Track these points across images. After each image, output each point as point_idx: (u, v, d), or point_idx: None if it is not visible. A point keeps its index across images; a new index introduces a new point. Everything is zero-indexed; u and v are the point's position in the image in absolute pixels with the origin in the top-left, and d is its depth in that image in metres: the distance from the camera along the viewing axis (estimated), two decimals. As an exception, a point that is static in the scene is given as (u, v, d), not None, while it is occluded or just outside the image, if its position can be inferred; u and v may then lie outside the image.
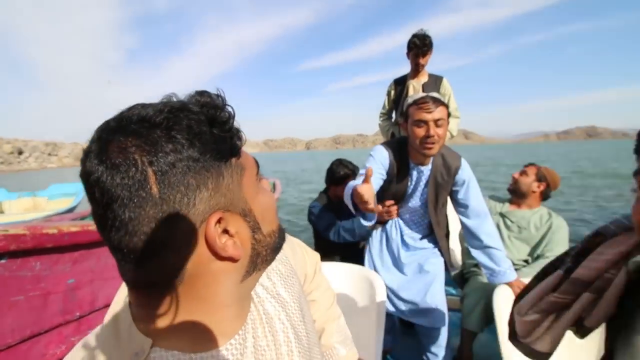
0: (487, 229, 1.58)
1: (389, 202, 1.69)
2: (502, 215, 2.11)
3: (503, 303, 1.53)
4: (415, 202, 1.67)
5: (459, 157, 1.59)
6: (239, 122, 0.38)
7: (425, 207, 1.66)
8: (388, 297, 1.60)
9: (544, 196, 2.06)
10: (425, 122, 1.40)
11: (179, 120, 0.33)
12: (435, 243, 1.72)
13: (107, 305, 1.18)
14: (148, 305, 0.36)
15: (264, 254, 0.41)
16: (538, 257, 1.95)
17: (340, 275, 1.67)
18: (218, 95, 0.37)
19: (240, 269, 0.39)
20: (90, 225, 1.08)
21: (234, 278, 0.38)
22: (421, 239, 1.74)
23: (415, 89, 2.87)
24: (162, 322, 0.36)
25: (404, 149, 1.58)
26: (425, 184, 1.60)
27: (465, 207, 1.59)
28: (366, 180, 1.17)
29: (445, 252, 1.71)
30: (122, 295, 0.40)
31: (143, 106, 0.34)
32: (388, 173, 1.59)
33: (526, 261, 2.00)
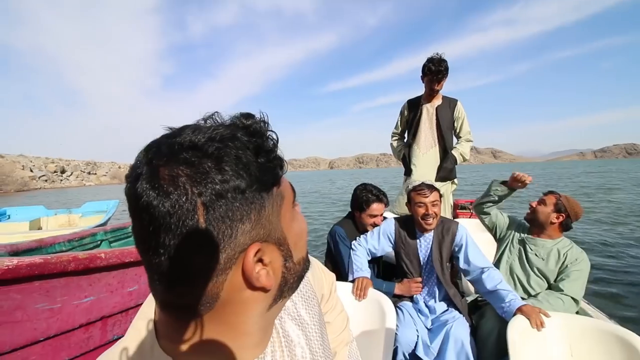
0: (491, 276, 1.73)
1: (418, 279, 1.94)
2: (523, 242, 2.02)
3: (517, 335, 1.43)
4: (428, 265, 1.93)
5: (456, 223, 1.95)
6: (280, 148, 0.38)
7: (439, 267, 1.90)
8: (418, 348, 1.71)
9: (565, 227, 1.92)
10: (424, 204, 1.86)
11: (229, 151, 0.32)
12: (451, 302, 1.88)
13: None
14: (174, 326, 0.36)
15: (291, 281, 0.41)
16: (554, 288, 1.84)
17: (349, 295, 1.73)
18: (263, 121, 0.37)
19: (269, 298, 0.38)
20: None
21: (261, 307, 0.38)
22: (441, 300, 1.92)
23: (429, 112, 2.83)
24: (186, 344, 0.36)
25: (410, 222, 2.01)
26: (431, 246, 1.92)
27: (468, 264, 1.83)
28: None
29: (463, 309, 1.82)
30: (146, 310, 0.40)
31: (194, 131, 0.33)
32: (395, 240, 2.00)
33: (547, 289, 1.89)
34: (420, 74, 2.74)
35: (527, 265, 1.94)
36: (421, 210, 1.86)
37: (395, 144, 3.15)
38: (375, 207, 2.08)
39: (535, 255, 1.92)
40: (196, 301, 0.34)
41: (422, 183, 1.91)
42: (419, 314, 1.87)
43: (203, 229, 0.31)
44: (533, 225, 1.99)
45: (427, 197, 1.85)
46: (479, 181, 27.57)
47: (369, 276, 1.83)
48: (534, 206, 1.97)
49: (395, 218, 2.08)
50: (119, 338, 1.49)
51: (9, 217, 6.45)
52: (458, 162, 2.83)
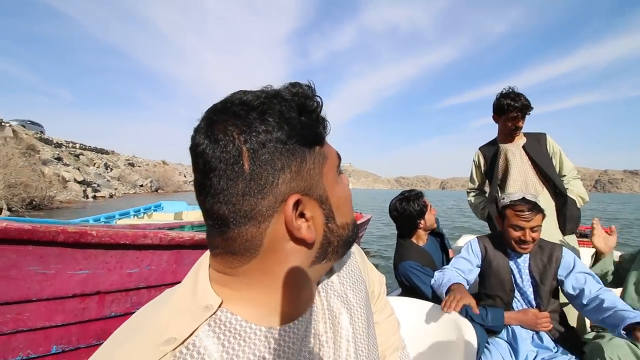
0: (607, 298, 1.36)
1: (545, 313, 1.57)
2: None
3: None
4: (526, 292, 1.61)
5: (559, 247, 1.61)
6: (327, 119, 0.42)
7: (537, 295, 1.60)
8: None
9: None
10: (522, 228, 1.51)
11: (272, 106, 0.37)
12: (559, 338, 1.56)
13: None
14: (224, 271, 0.40)
15: (335, 244, 0.43)
16: None
17: (423, 314, 1.51)
18: (309, 86, 0.41)
19: (311, 253, 0.41)
20: None
21: (303, 260, 0.40)
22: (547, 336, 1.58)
23: (515, 155, 2.34)
24: (234, 289, 0.39)
25: (499, 240, 1.67)
26: (529, 273, 1.60)
27: (578, 289, 1.48)
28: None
29: (576, 347, 1.51)
30: (204, 259, 0.44)
31: (244, 92, 0.39)
32: (482, 262, 1.69)
33: None
34: (492, 114, 2.33)
35: None
36: (516, 234, 1.54)
37: (474, 200, 2.63)
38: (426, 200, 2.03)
39: None
40: (242, 246, 0.37)
41: (524, 198, 1.54)
42: (517, 353, 1.49)
43: (248, 173, 0.35)
44: None
45: (528, 221, 1.49)
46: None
47: (465, 284, 1.54)
48: None
49: (478, 237, 1.77)
50: (117, 316, 1.50)
51: (162, 209, 8.28)
52: (578, 206, 2.28)
